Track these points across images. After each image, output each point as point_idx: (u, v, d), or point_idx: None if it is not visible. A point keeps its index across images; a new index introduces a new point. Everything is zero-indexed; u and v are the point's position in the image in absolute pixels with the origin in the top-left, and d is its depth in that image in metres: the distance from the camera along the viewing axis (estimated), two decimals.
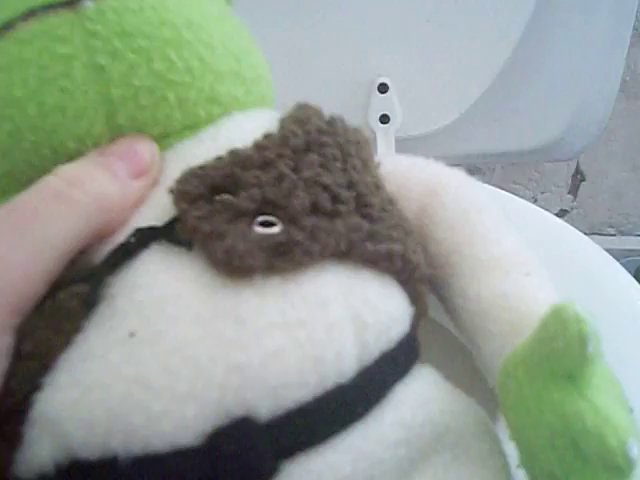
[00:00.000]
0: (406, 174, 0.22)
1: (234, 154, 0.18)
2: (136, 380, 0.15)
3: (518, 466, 0.17)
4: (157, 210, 0.18)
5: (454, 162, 0.23)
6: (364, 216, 0.18)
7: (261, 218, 0.17)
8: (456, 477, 0.18)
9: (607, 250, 0.35)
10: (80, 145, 0.18)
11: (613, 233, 0.91)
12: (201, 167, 0.18)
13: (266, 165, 0.18)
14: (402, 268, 0.18)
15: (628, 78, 0.76)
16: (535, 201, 0.87)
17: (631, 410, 0.15)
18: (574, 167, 0.85)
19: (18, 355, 0.15)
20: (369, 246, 0.17)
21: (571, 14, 0.48)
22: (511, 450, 0.17)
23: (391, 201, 0.20)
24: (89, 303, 0.16)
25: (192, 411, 0.15)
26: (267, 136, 0.19)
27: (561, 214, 0.89)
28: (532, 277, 0.19)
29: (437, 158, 0.23)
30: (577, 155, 0.57)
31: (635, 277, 0.33)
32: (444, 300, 0.21)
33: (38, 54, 0.18)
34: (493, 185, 0.39)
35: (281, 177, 0.17)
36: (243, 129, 0.20)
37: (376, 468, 0.16)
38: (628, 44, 0.50)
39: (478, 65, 0.48)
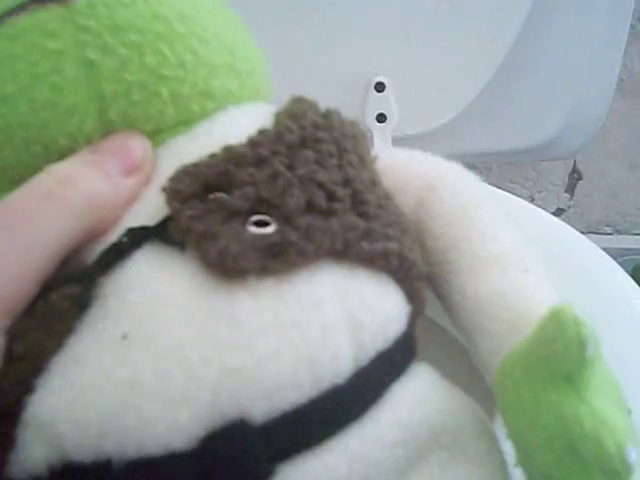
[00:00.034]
0: (403, 168, 0.22)
1: (228, 151, 0.18)
2: (129, 383, 0.15)
3: (515, 464, 0.17)
4: (150, 209, 0.17)
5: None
6: (360, 214, 0.18)
7: (255, 217, 0.17)
8: (453, 476, 0.18)
9: (604, 249, 0.35)
10: (72, 142, 0.18)
11: (610, 232, 0.91)
12: (194, 165, 0.17)
13: (260, 162, 0.17)
14: (399, 266, 0.18)
15: (625, 77, 0.76)
16: (532, 200, 0.87)
17: (629, 412, 0.15)
18: (571, 166, 0.85)
19: (10, 357, 0.15)
20: (365, 245, 0.17)
21: (568, 12, 0.48)
22: (509, 448, 0.17)
23: (388, 196, 0.20)
24: (81, 304, 0.16)
25: (186, 414, 0.14)
26: (261, 132, 0.18)
27: (558, 213, 0.89)
28: (530, 274, 0.19)
29: None
30: (574, 154, 0.57)
31: (632, 276, 0.33)
32: (442, 297, 0.21)
33: (28, 50, 0.17)
34: (490, 184, 0.39)
35: (276, 175, 0.17)
36: (238, 124, 0.19)
37: (372, 469, 0.16)
38: (625, 43, 0.50)
39: (475, 64, 0.48)
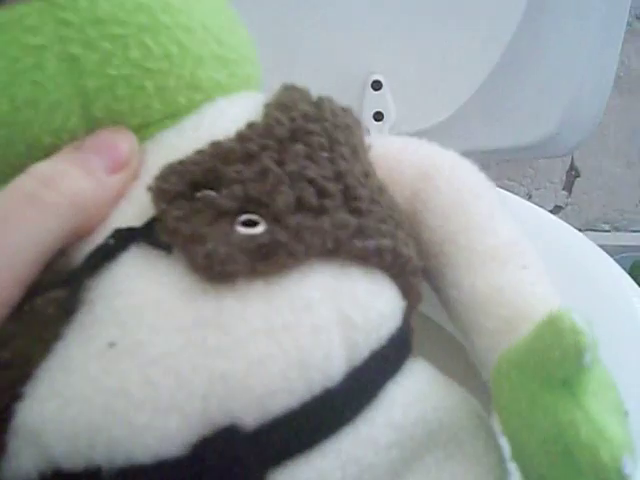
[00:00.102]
0: (398, 157, 0.21)
1: (215, 146, 0.17)
2: (117, 392, 0.14)
3: (511, 460, 0.17)
4: (137, 207, 0.17)
5: None
6: (352, 210, 0.17)
7: (244, 217, 0.16)
8: (450, 475, 0.17)
9: (601, 246, 0.35)
10: (55, 139, 0.18)
11: (608, 229, 0.91)
12: (180, 162, 0.17)
13: (249, 158, 0.17)
14: (393, 263, 0.17)
15: (622, 74, 0.76)
16: (530, 197, 0.87)
17: (626, 413, 0.15)
18: (569, 163, 0.85)
19: None
20: (357, 243, 0.17)
21: (564, 10, 0.48)
22: (506, 442, 0.17)
23: (381, 189, 0.19)
24: (67, 309, 0.15)
25: (175, 423, 0.14)
26: (250, 125, 0.18)
27: (556, 210, 0.89)
28: (529, 270, 0.19)
29: None
30: (571, 151, 0.57)
31: (629, 273, 0.33)
32: (438, 290, 0.21)
33: (8, 45, 0.17)
34: None
35: (265, 171, 0.17)
36: (226, 116, 0.19)
37: (367, 472, 0.16)
38: (622, 40, 0.50)
39: (472, 62, 0.48)
